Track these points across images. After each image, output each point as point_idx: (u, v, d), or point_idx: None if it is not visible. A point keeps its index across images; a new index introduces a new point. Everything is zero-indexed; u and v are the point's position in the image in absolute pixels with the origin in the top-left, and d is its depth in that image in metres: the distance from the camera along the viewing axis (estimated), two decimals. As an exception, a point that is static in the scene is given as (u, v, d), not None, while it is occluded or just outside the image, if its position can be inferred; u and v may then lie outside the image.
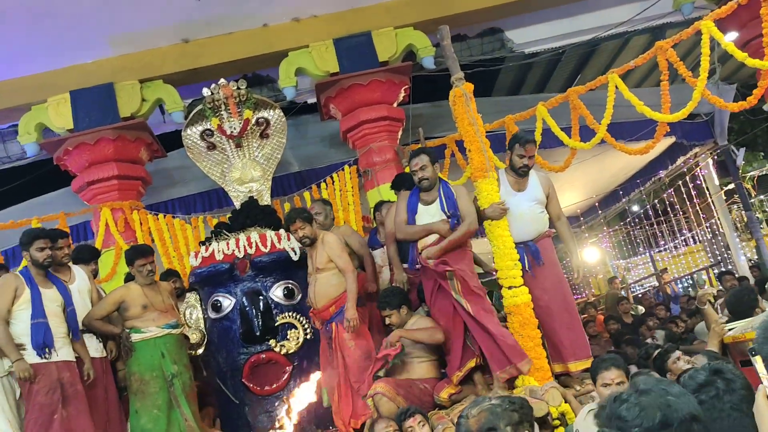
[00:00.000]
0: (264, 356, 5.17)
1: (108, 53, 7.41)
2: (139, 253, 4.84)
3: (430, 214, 4.52)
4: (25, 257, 4.50)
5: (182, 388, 4.69)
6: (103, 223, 7.07)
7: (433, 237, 4.46)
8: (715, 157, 11.31)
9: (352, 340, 4.71)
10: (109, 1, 6.59)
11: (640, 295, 13.18)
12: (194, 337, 5.42)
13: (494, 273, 4.77)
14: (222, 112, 6.17)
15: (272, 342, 5.20)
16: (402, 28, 7.60)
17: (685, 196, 12.65)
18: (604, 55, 10.79)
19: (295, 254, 5.35)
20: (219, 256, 5.39)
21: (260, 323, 5.20)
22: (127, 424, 4.74)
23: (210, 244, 5.53)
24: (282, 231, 5.51)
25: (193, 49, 7.57)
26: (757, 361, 1.57)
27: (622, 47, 10.48)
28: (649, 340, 6.59)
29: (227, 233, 5.65)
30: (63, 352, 4.34)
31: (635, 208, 15.25)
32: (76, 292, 4.65)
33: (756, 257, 11.29)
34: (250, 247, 5.39)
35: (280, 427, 4.15)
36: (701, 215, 12.78)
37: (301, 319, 5.31)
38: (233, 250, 5.39)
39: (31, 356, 4.21)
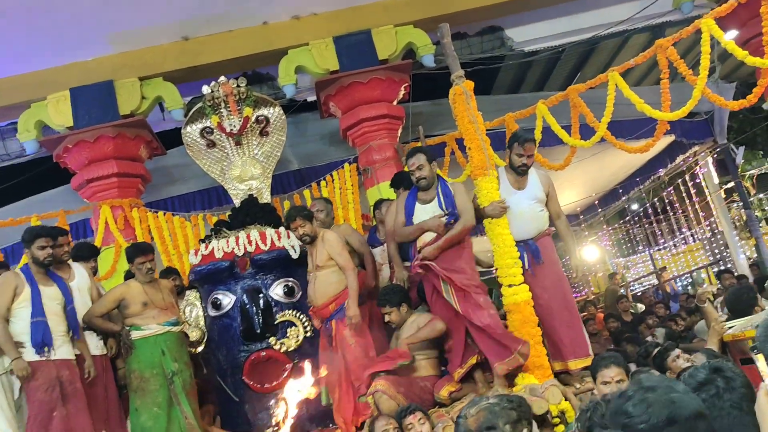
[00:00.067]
0: (264, 354, 5.17)
1: (108, 51, 7.40)
2: (139, 251, 4.85)
3: (428, 213, 4.53)
4: (26, 254, 4.50)
5: (182, 386, 4.69)
6: (102, 221, 7.06)
7: (432, 235, 4.47)
8: (715, 155, 11.31)
9: (353, 337, 4.72)
10: (109, -1, 6.59)
11: (639, 294, 13.20)
12: (194, 335, 5.42)
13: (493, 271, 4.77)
14: (222, 110, 6.16)
15: (272, 340, 5.20)
16: (402, 26, 7.59)
17: (684, 194, 12.65)
18: (604, 54, 10.79)
19: (295, 252, 5.35)
20: (219, 254, 5.38)
21: (260, 321, 5.20)
22: (127, 421, 4.75)
23: (210, 242, 5.53)
24: (282, 229, 5.51)
25: (193, 46, 7.56)
26: (759, 359, 1.57)
27: (622, 46, 10.49)
28: (649, 338, 6.60)
29: (227, 231, 5.64)
30: (62, 350, 4.34)
31: (635, 206, 15.24)
32: (76, 289, 4.65)
33: (755, 256, 11.29)
34: (250, 245, 5.39)
35: (277, 424, 4.14)
36: (700, 214, 12.78)
37: (301, 317, 5.31)
38: (233, 248, 5.38)
39: (30, 354, 4.21)
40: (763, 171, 14.24)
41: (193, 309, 5.59)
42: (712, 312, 4.72)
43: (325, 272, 4.82)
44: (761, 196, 14.30)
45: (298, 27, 7.59)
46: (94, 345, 4.67)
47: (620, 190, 13.78)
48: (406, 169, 5.34)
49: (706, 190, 11.82)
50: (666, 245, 14.87)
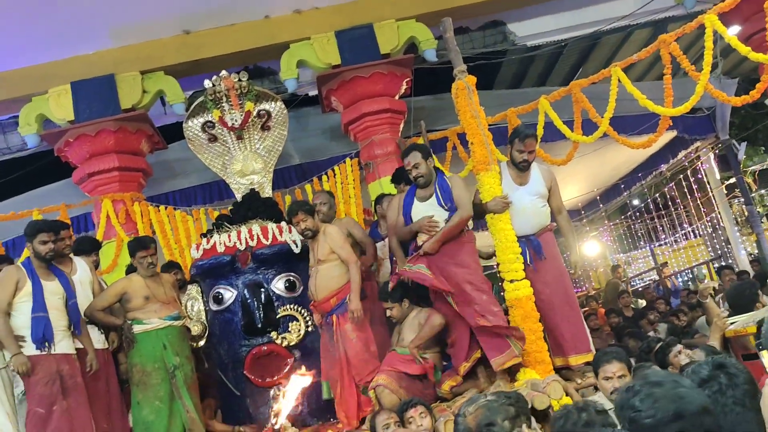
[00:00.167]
0: (265, 348, 5.17)
1: (109, 44, 7.39)
2: (140, 245, 4.84)
3: (427, 209, 4.53)
4: (28, 248, 4.50)
5: (184, 380, 4.69)
6: (104, 215, 7.07)
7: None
8: (717, 151, 11.29)
9: (354, 332, 4.72)
10: (110, -8, 6.58)
11: (640, 289, 13.21)
12: (196, 329, 5.43)
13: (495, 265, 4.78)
14: (223, 104, 6.15)
15: (273, 334, 5.20)
16: (404, 20, 7.58)
17: (686, 190, 12.65)
18: (606, 49, 10.76)
19: (297, 246, 5.35)
20: (220, 249, 5.39)
21: (262, 315, 5.20)
22: (129, 415, 4.76)
23: (211, 236, 5.53)
24: (283, 223, 5.51)
25: (195, 40, 7.54)
26: (764, 355, 1.57)
27: (624, 41, 10.45)
28: (651, 333, 6.60)
29: (228, 225, 5.65)
30: (62, 345, 4.33)
31: (636, 201, 15.24)
32: (77, 283, 4.65)
33: (756, 251, 11.29)
34: (252, 240, 5.39)
35: (275, 415, 4.15)
36: (702, 209, 12.78)
37: (303, 311, 5.31)
38: (235, 243, 5.38)
39: (30, 348, 4.21)
40: (764, 167, 14.24)
41: (195, 303, 5.59)
42: (714, 308, 4.71)
43: (326, 266, 4.82)
44: (763, 191, 14.30)
45: (300, 21, 7.57)
46: (96, 339, 4.66)
47: (622, 186, 13.76)
48: (404, 166, 5.34)
49: (708, 186, 11.82)
50: (667, 241, 14.88)
